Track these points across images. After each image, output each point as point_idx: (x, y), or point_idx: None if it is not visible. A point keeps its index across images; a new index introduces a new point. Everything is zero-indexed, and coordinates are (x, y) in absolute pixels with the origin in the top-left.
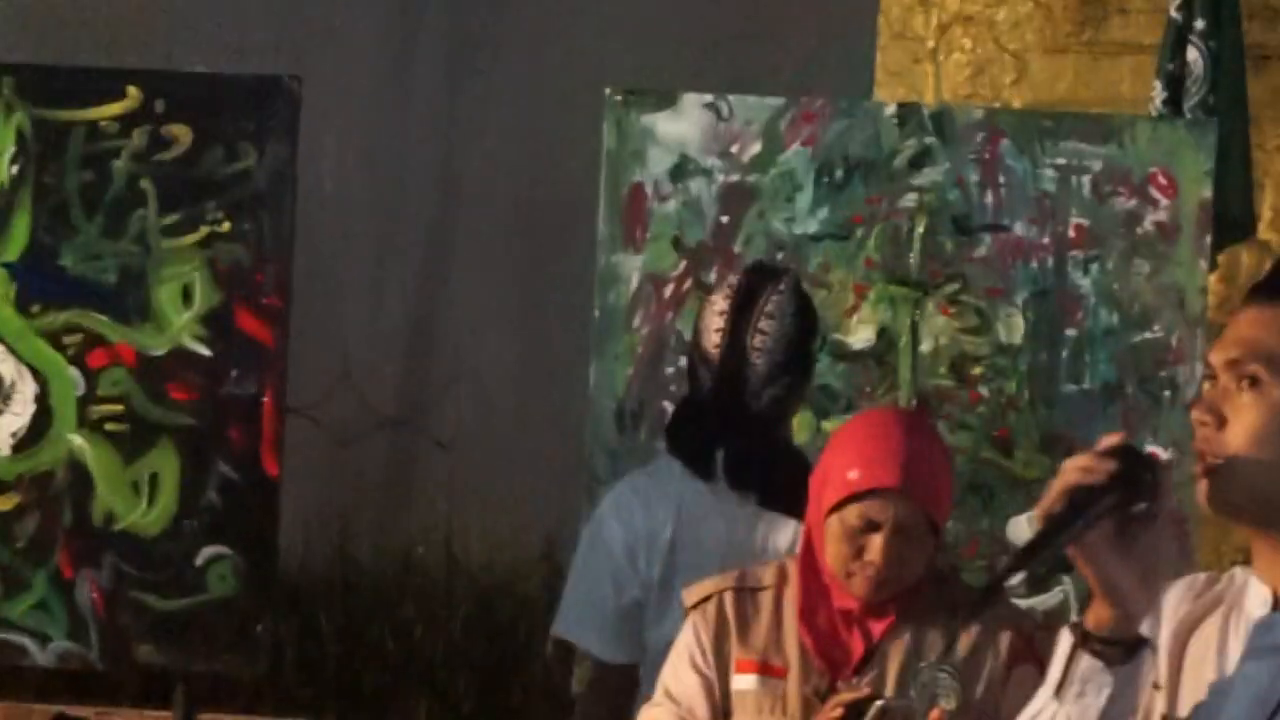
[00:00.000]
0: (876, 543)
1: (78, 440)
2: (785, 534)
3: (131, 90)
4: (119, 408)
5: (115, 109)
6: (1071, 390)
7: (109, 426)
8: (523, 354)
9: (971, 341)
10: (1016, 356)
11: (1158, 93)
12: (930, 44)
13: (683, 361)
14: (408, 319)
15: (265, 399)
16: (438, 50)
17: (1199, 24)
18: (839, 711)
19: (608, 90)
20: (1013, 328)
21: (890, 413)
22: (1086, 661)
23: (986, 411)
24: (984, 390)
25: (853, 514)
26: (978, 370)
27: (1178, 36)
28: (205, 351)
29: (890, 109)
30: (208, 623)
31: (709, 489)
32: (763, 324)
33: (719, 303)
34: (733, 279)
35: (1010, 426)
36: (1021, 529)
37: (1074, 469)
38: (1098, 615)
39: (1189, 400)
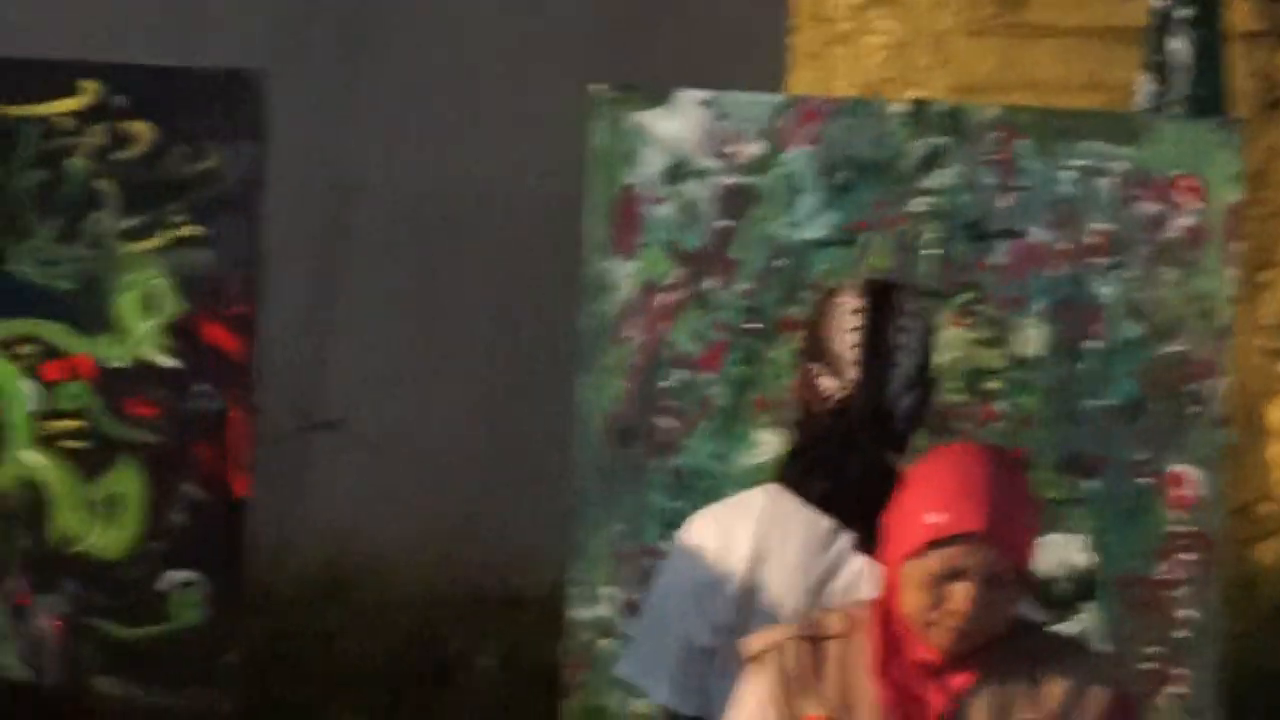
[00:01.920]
0: (960, 591)
1: (33, 458)
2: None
3: (88, 85)
4: (78, 423)
5: (71, 104)
6: (1092, 406)
7: (67, 444)
8: (445, 356)
9: (987, 354)
10: (1034, 370)
11: (1144, 84)
12: (846, 26)
13: (675, 376)
14: (312, 320)
15: (233, 414)
16: (330, 35)
17: (1182, 13)
18: None
19: (594, 87)
20: (1030, 340)
21: (973, 449)
22: None
23: (1003, 428)
24: (1000, 406)
25: (935, 560)
26: (994, 385)
27: (1162, 25)
28: (170, 364)
29: (899, 107)
30: (173, 653)
31: (802, 521)
32: (904, 321)
33: (851, 301)
34: (850, 281)
35: (1028, 445)
36: None
37: None
38: None
39: (1217, 416)
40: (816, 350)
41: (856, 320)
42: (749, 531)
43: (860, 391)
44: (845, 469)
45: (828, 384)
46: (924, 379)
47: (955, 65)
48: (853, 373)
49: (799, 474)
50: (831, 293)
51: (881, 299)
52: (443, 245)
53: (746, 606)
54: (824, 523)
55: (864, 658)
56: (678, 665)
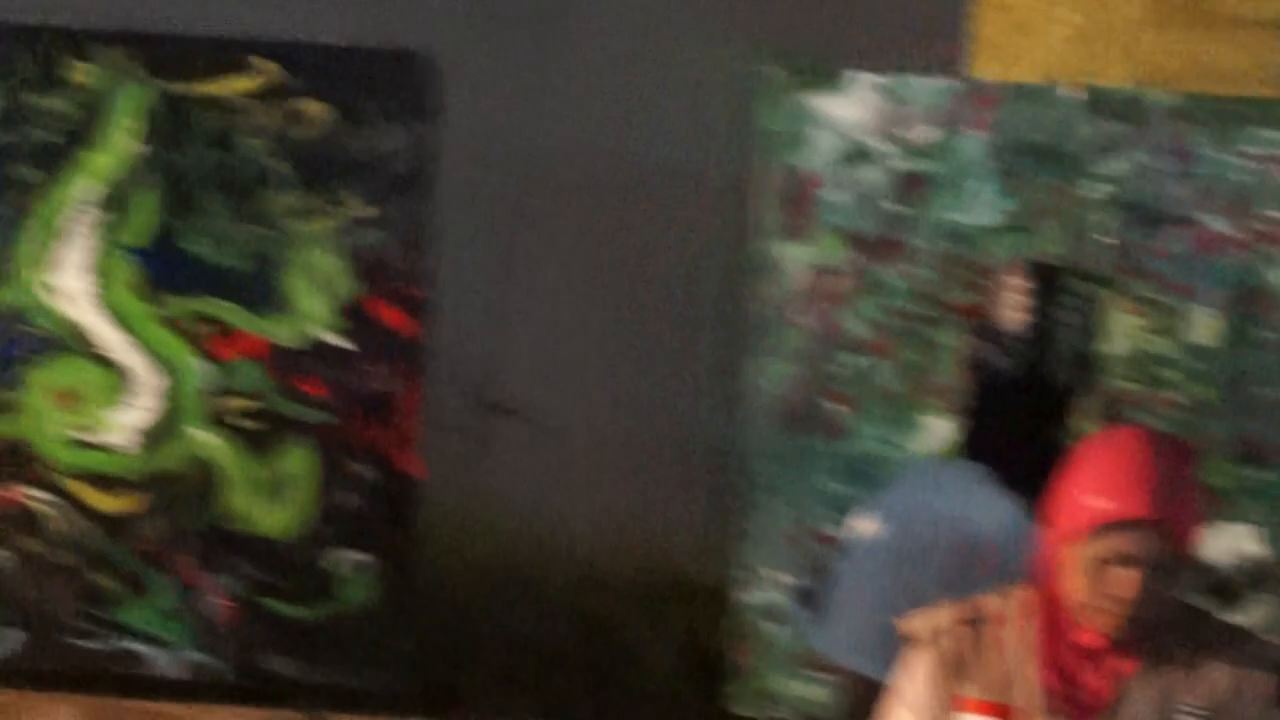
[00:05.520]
0: (1126, 577)
1: (206, 437)
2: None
3: (264, 64)
4: (251, 403)
5: (248, 84)
6: (1268, 395)
7: (240, 423)
8: (617, 339)
9: (1159, 342)
10: (1208, 359)
11: None
12: (1028, 14)
13: (845, 360)
14: (489, 306)
15: (405, 395)
16: (518, 13)
17: None
18: None
19: (765, 68)
20: (1203, 328)
21: (1140, 433)
22: None
23: (1177, 417)
24: (1173, 394)
25: (1100, 545)
26: (1166, 373)
27: None
28: (342, 344)
29: (1074, 93)
30: (345, 633)
31: (994, 499)
32: (1067, 301)
33: (1017, 281)
34: (1018, 263)
35: (1201, 433)
36: None
37: None
38: None
39: None
40: (982, 327)
41: (1021, 298)
42: (949, 507)
43: (1019, 366)
44: (1007, 442)
45: (991, 355)
46: (1085, 359)
47: (1139, 57)
48: (1014, 347)
49: (967, 448)
50: (1001, 274)
51: (1047, 280)
52: (625, 230)
53: (946, 580)
54: (1017, 501)
55: (1024, 641)
56: (880, 635)
